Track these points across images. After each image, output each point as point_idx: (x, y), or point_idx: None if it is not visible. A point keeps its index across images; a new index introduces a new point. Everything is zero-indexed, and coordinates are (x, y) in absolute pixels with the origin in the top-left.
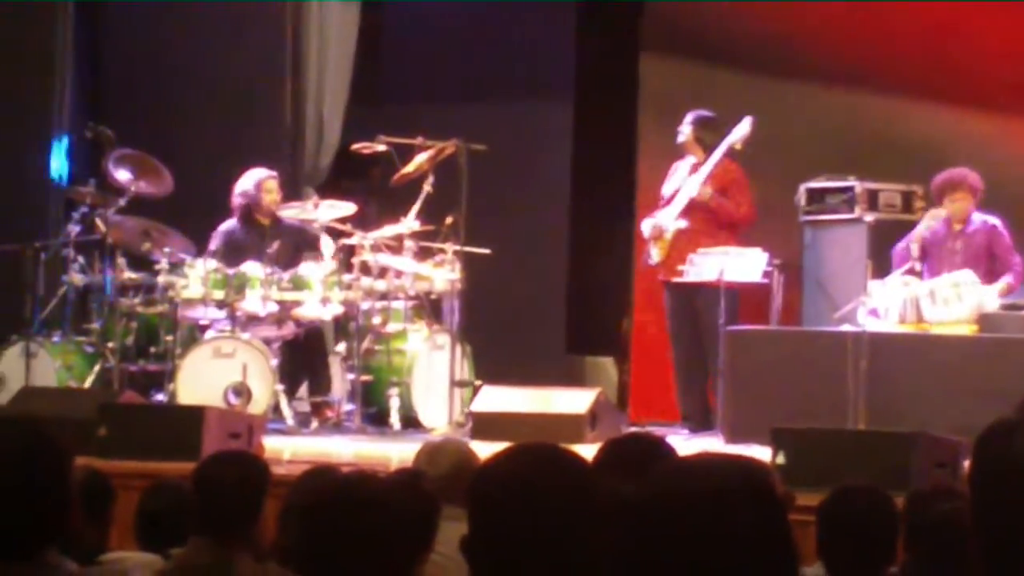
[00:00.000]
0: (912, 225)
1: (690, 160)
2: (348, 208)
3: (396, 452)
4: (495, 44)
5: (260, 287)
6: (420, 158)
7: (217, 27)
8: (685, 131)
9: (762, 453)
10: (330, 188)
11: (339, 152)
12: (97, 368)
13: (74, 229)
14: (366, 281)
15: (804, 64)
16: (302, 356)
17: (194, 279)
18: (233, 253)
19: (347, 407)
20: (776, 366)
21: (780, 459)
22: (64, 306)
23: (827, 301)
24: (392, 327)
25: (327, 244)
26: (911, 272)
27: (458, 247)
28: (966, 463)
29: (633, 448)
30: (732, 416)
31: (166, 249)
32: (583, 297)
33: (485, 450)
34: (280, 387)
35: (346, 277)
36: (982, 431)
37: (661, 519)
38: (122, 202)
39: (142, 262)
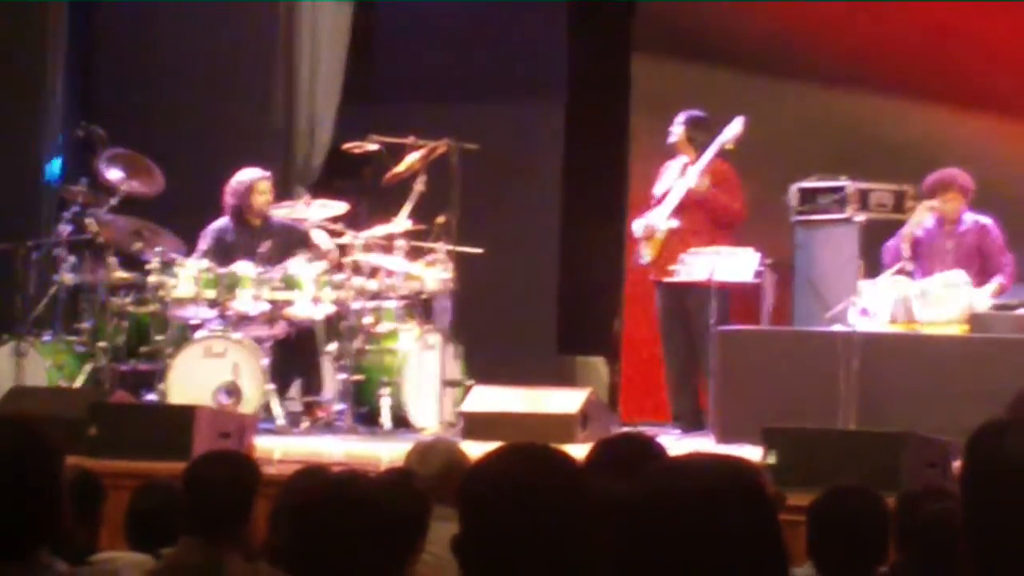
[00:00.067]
0: (903, 225)
1: (682, 160)
2: (340, 207)
3: (387, 452)
4: (487, 44)
5: (251, 287)
6: (412, 157)
7: (209, 27)
8: (677, 131)
9: (753, 453)
10: (322, 187)
11: (331, 151)
12: (88, 367)
13: (65, 228)
14: (357, 281)
15: (795, 64)
16: (293, 356)
17: (185, 278)
18: (224, 252)
19: (338, 407)
20: (767, 366)
21: (771, 459)
22: (55, 305)
23: (818, 301)
24: (383, 327)
25: (322, 238)
26: (902, 272)
27: (449, 247)
28: (957, 463)
29: (624, 448)
30: (723, 416)
31: (157, 248)
32: (574, 297)
33: (476, 450)
34: (271, 387)
35: (337, 277)
36: (973, 431)
37: (653, 519)
38: (113, 201)
39: (133, 261)
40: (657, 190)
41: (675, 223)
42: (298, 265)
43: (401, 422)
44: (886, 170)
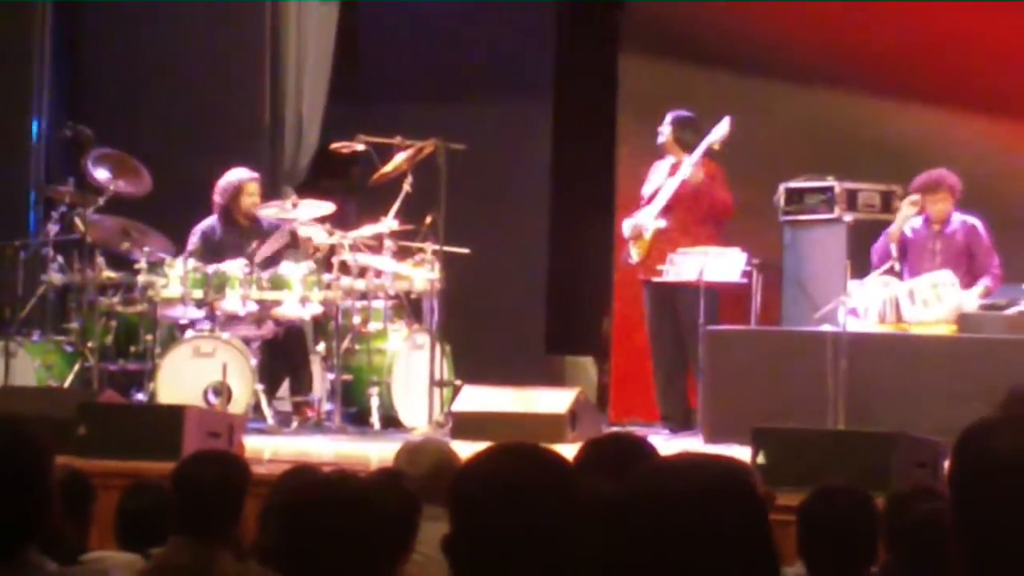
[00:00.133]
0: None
1: (670, 160)
2: (327, 208)
3: (376, 452)
4: (474, 43)
5: (240, 286)
6: (399, 157)
7: (196, 26)
8: (665, 131)
9: (742, 453)
10: (309, 188)
11: (318, 152)
12: (77, 367)
13: (53, 228)
14: (346, 281)
15: (783, 64)
16: (282, 355)
17: (173, 278)
18: (212, 252)
19: (327, 407)
20: (756, 366)
21: (761, 459)
22: (43, 305)
23: (807, 301)
24: (372, 326)
25: (316, 232)
26: (890, 272)
27: (437, 247)
28: (946, 463)
29: (613, 448)
30: (712, 416)
31: (145, 248)
32: (563, 297)
33: (465, 450)
34: (260, 387)
35: (326, 277)
36: (962, 431)
37: (643, 519)
38: (101, 201)
39: (121, 261)
40: (646, 190)
41: (663, 223)
42: (287, 265)
43: (390, 422)
44: (874, 171)
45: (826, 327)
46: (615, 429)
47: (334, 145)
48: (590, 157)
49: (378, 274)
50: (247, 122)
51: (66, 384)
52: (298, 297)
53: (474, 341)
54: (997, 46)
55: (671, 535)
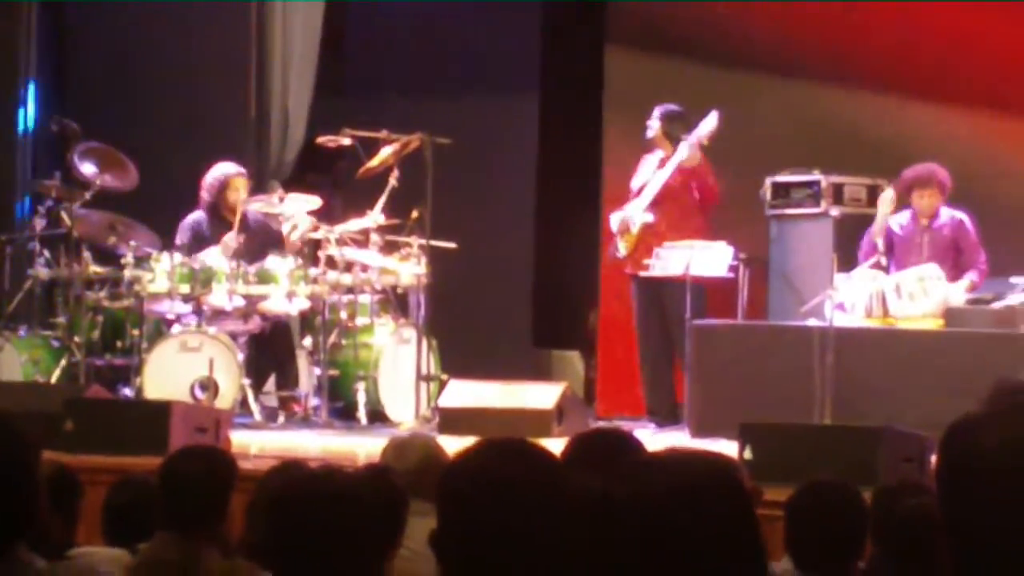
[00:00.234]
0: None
1: (659, 154)
2: (314, 202)
3: (363, 447)
4: (460, 38)
5: (226, 281)
6: (385, 152)
7: (181, 21)
8: (654, 126)
9: (729, 447)
10: (295, 182)
11: (304, 146)
12: (63, 362)
13: (39, 223)
14: (332, 275)
15: (769, 58)
16: (269, 350)
17: (160, 273)
18: (199, 247)
19: (314, 402)
20: (742, 360)
21: (747, 454)
22: (30, 300)
23: (793, 295)
24: (358, 321)
25: (301, 219)
26: (877, 266)
27: (424, 241)
28: (933, 458)
29: (600, 443)
30: (699, 410)
31: (132, 243)
32: (549, 291)
33: (452, 445)
34: (247, 381)
35: (312, 271)
36: (948, 426)
37: (630, 515)
38: (87, 196)
39: (108, 256)
40: (635, 183)
41: (650, 217)
42: (273, 260)
43: (377, 417)
44: (860, 164)
45: (813, 321)
46: (601, 424)
47: (320, 139)
48: (576, 151)
49: (364, 269)
50: (233, 116)
51: (53, 379)
52: (284, 292)
53: (461, 335)
54: (984, 40)
55: (658, 531)
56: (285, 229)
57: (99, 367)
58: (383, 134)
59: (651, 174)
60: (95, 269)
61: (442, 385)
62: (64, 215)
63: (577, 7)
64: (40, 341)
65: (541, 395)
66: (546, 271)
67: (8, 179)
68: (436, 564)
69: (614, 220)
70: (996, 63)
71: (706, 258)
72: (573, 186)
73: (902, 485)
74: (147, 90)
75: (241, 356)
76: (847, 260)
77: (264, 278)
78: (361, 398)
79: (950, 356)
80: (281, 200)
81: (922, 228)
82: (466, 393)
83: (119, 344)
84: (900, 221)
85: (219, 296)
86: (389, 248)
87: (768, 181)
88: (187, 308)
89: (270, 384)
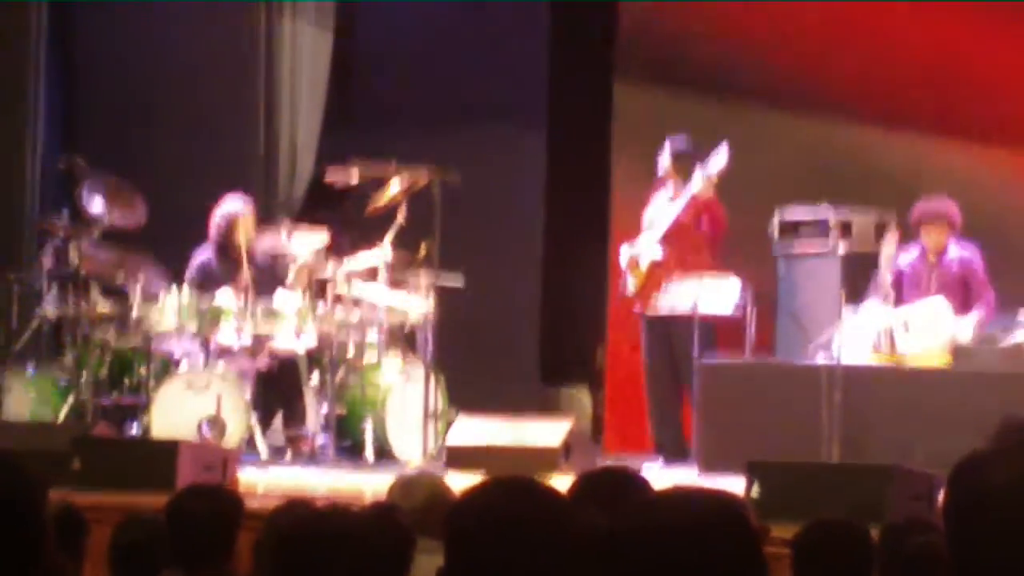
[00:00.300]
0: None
1: (670, 189)
2: (322, 238)
3: (370, 485)
4: (468, 71)
5: (234, 319)
6: (393, 188)
7: (190, 55)
8: (665, 162)
9: (736, 485)
10: (304, 218)
11: (312, 182)
12: (71, 400)
13: (47, 261)
14: (340, 312)
15: (777, 92)
16: (276, 388)
17: (168, 311)
18: (208, 286)
19: (321, 440)
20: (750, 398)
21: (755, 491)
22: (37, 338)
23: (801, 333)
24: (366, 359)
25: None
26: (885, 300)
27: (431, 277)
28: (941, 495)
29: (607, 481)
30: (706, 447)
31: (140, 281)
32: (557, 327)
33: (459, 482)
34: (254, 419)
35: (319, 308)
36: (956, 463)
37: (637, 553)
38: (95, 233)
39: (116, 294)
40: (645, 218)
41: (659, 254)
42: (281, 297)
43: (384, 455)
44: (869, 199)
45: (820, 359)
46: (608, 462)
47: (328, 177)
48: (584, 185)
49: (372, 306)
50: (241, 152)
51: (60, 417)
52: (292, 329)
53: (468, 372)
54: (990, 74)
55: (665, 568)
56: (291, 267)
57: (106, 405)
58: (391, 168)
59: (662, 208)
60: (103, 307)
61: (449, 423)
62: (72, 253)
63: (585, 40)
64: (47, 379)
65: (548, 432)
66: (553, 306)
67: (16, 217)
68: None
69: (624, 255)
70: (1005, 98)
71: (713, 295)
72: (581, 221)
73: (910, 523)
74: (155, 125)
75: (248, 394)
76: (855, 297)
77: (272, 316)
78: (368, 436)
79: (958, 394)
80: (289, 236)
81: (930, 264)
82: (473, 431)
83: (126, 382)
84: (908, 257)
85: (227, 334)
86: (397, 285)
87: (776, 218)
88: (195, 346)
89: (277, 422)
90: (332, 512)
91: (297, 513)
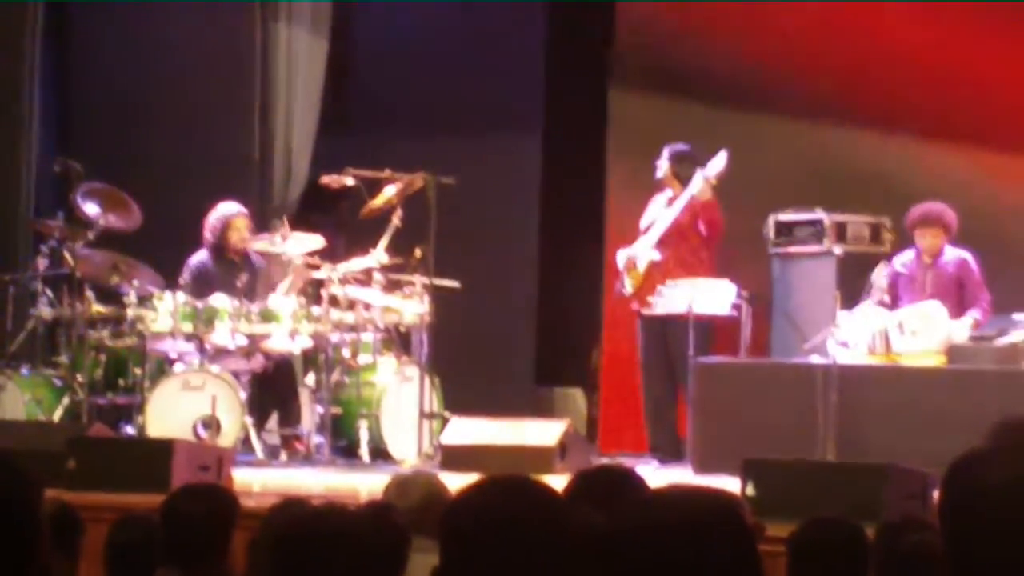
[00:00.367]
0: (880, 257)
1: (667, 193)
2: (317, 241)
3: (365, 484)
4: (464, 76)
5: (229, 320)
6: (388, 192)
7: (185, 57)
8: (663, 166)
9: (732, 484)
10: (299, 222)
11: (308, 185)
12: (66, 401)
13: (43, 263)
14: (335, 314)
15: (772, 97)
16: (271, 389)
17: (163, 312)
18: (203, 286)
19: (316, 439)
20: (745, 398)
21: (750, 490)
22: (33, 339)
23: (796, 333)
24: (361, 359)
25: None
26: (880, 304)
27: (426, 280)
28: (936, 494)
29: (603, 480)
30: (701, 447)
31: (135, 282)
32: (552, 328)
33: (455, 482)
34: (249, 420)
35: (315, 310)
36: (951, 462)
37: (632, 551)
38: (90, 236)
39: (111, 295)
40: (643, 222)
41: (657, 255)
42: (276, 299)
43: (380, 454)
44: (864, 203)
45: (816, 359)
46: (604, 461)
47: (323, 180)
48: (579, 190)
49: (367, 307)
50: (237, 156)
51: (55, 418)
52: (287, 330)
53: (463, 373)
54: (985, 78)
55: (661, 567)
56: (286, 269)
57: (101, 406)
58: (386, 173)
59: (660, 212)
60: (98, 309)
61: (444, 423)
62: (67, 255)
63: (582, 45)
64: (43, 380)
65: (543, 432)
66: (549, 308)
67: (11, 218)
68: None
69: (620, 257)
70: (1000, 102)
71: (709, 296)
72: (576, 224)
73: (905, 521)
74: (151, 129)
75: (244, 394)
76: (850, 298)
77: (267, 317)
78: (364, 436)
79: (953, 393)
80: (284, 239)
81: (925, 267)
82: (468, 430)
83: (122, 383)
84: (904, 259)
85: (222, 335)
86: (392, 287)
87: (771, 220)
88: (190, 347)
89: (272, 422)
90: (328, 511)
91: (293, 512)
